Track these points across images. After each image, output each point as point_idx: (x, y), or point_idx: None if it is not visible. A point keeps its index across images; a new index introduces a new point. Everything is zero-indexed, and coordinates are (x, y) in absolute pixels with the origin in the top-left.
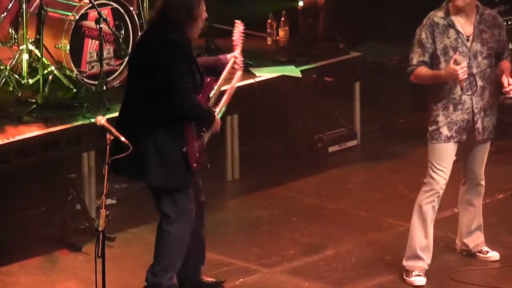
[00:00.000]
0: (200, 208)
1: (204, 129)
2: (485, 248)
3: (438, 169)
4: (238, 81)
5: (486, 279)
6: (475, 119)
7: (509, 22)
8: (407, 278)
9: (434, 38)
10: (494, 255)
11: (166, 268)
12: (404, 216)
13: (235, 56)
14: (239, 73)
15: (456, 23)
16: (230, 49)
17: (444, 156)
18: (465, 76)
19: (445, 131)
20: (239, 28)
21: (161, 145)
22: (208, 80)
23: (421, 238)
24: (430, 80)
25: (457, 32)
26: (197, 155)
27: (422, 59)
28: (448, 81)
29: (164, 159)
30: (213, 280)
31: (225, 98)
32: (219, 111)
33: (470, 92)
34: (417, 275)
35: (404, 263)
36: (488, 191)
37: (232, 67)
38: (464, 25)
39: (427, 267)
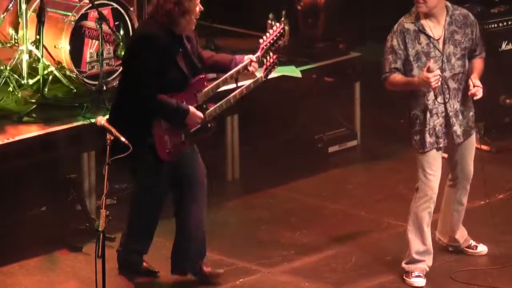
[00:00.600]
0: (195, 188)
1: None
2: (473, 243)
3: (429, 174)
4: (251, 85)
5: (486, 279)
6: (452, 123)
7: (509, 22)
8: (407, 279)
9: (405, 44)
10: (483, 249)
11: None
12: (404, 216)
13: (251, 59)
14: (259, 77)
15: (426, 28)
16: (230, 49)
17: (433, 162)
18: (438, 84)
19: (427, 138)
20: (276, 32)
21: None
22: (199, 77)
23: (419, 244)
24: (403, 87)
25: (428, 37)
26: (168, 147)
27: (394, 65)
28: (421, 88)
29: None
30: (212, 271)
31: (229, 97)
32: (213, 109)
33: (442, 101)
34: (417, 276)
35: (404, 265)
36: (488, 191)
37: (246, 69)
38: (435, 29)
39: (427, 268)
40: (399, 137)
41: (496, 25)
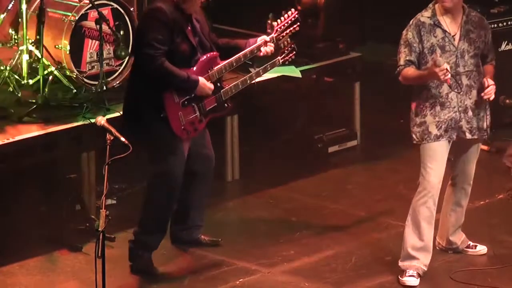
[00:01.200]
0: (203, 166)
1: (193, 97)
2: (471, 243)
3: (430, 167)
4: (268, 67)
5: (486, 279)
6: (459, 118)
7: (509, 22)
8: (400, 278)
9: (421, 37)
10: (482, 248)
11: (146, 228)
12: (404, 216)
13: (264, 40)
14: (276, 59)
15: (442, 23)
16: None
17: (435, 155)
18: (448, 76)
19: (434, 130)
20: (291, 16)
21: (141, 107)
22: (211, 54)
23: (415, 239)
24: (416, 80)
25: (444, 31)
26: (182, 122)
27: (409, 58)
28: (432, 80)
29: (144, 126)
30: (210, 239)
31: (246, 77)
32: (229, 88)
33: (457, 90)
34: (410, 276)
35: (400, 263)
36: (488, 191)
37: (259, 49)
38: (451, 25)
39: (424, 268)
40: (399, 137)
41: (496, 25)
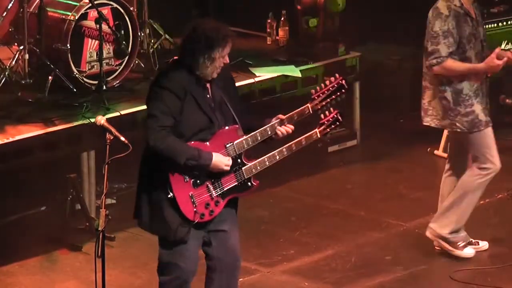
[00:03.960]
0: (222, 268)
1: (207, 175)
2: (473, 240)
3: (492, 152)
4: (303, 141)
5: (486, 278)
6: (487, 104)
7: (509, 22)
8: (456, 250)
9: (459, 27)
10: (484, 244)
11: None
12: (404, 216)
13: (280, 118)
14: (312, 132)
15: (470, 11)
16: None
17: (490, 140)
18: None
19: (482, 117)
20: (335, 83)
21: (149, 188)
22: (231, 127)
23: (468, 212)
24: (464, 72)
25: (471, 19)
26: (193, 204)
27: (452, 49)
28: (485, 72)
29: (153, 203)
30: None
31: (275, 152)
32: (253, 165)
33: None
34: (464, 246)
35: (448, 235)
36: (487, 191)
37: (274, 130)
38: (472, 13)
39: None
40: (399, 136)
41: (495, 24)
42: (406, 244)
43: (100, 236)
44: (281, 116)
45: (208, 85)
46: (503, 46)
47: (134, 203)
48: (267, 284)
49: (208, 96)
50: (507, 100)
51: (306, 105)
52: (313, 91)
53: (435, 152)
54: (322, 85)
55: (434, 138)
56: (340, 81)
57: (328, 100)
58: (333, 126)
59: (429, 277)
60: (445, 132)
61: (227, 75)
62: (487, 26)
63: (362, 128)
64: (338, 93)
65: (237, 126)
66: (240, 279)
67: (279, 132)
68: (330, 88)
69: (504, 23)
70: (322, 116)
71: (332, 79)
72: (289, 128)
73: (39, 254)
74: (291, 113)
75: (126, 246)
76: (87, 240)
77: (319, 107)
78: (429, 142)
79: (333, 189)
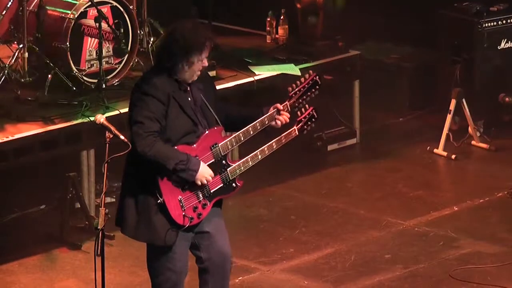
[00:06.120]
0: (215, 269)
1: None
2: None
3: None
4: (283, 139)
5: (485, 277)
6: None
7: (509, 20)
8: None
9: None
10: None
11: None
12: (404, 214)
13: (277, 107)
14: (291, 129)
15: None
16: (228, 48)
17: None
18: None
19: None
20: (309, 79)
21: (136, 193)
22: (214, 129)
23: None
24: None
25: None
26: (182, 208)
27: None
28: None
29: (140, 209)
30: None
31: (257, 152)
32: (237, 165)
33: None
34: None
35: None
36: (487, 190)
37: (273, 119)
38: None
39: None
40: (399, 135)
41: (495, 23)
42: (406, 243)
43: (100, 235)
44: (278, 105)
45: (189, 88)
46: (502, 45)
47: (117, 207)
48: (266, 282)
49: (189, 99)
50: (507, 99)
51: (285, 103)
52: (289, 88)
53: (435, 150)
54: (298, 82)
55: (434, 136)
56: (314, 77)
57: (304, 97)
58: (309, 123)
59: (429, 276)
60: (445, 131)
61: (206, 77)
62: (486, 24)
63: (362, 127)
64: (313, 90)
65: (221, 127)
66: (239, 278)
67: (278, 122)
68: (306, 85)
69: (504, 21)
70: (298, 113)
71: (307, 76)
72: (287, 116)
73: (38, 252)
74: (274, 110)
75: (125, 244)
76: (86, 239)
77: (297, 104)
78: (428, 141)
79: (333, 187)
